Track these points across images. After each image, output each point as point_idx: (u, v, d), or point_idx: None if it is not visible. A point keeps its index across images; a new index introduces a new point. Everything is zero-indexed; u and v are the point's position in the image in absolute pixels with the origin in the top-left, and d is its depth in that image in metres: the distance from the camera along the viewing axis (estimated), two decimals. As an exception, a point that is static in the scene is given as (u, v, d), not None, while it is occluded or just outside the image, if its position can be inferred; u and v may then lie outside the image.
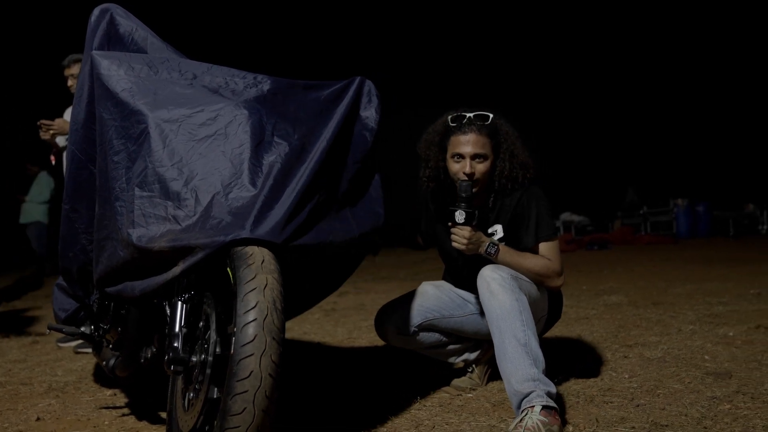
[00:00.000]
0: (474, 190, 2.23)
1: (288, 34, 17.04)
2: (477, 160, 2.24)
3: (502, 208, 2.33)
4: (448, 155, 2.30)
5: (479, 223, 2.23)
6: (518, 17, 19.37)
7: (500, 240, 2.30)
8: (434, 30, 18.80)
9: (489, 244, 2.20)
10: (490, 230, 2.35)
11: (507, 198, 2.32)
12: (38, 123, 3.73)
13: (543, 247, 2.25)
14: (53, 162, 3.95)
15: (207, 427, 1.62)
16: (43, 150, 4.20)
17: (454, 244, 2.22)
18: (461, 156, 2.24)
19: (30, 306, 6.00)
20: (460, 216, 2.18)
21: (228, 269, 1.61)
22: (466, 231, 2.18)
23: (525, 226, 2.27)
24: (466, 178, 2.22)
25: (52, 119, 3.75)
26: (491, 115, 2.27)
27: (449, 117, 2.31)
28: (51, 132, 3.73)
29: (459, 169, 2.25)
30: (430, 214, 2.52)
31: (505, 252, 2.21)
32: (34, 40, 13.75)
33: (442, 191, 2.41)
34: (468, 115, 2.27)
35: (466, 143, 2.23)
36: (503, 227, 2.34)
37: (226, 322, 1.61)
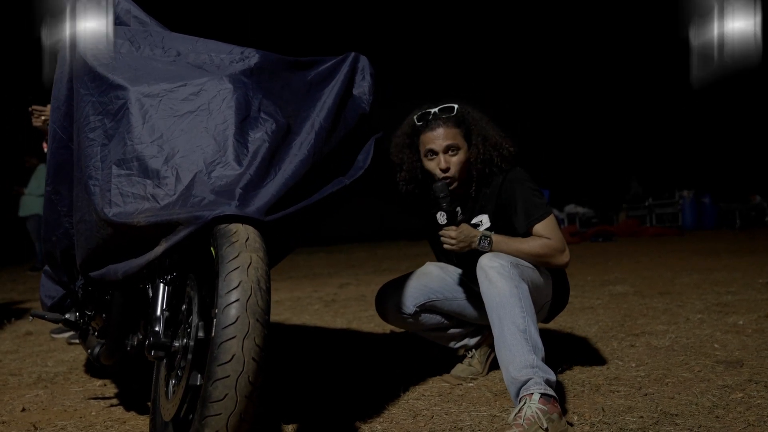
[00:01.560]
0: (452, 186, 2.18)
1: (284, 25, 16.92)
2: (450, 152, 2.19)
3: (485, 197, 2.25)
4: (422, 154, 2.24)
5: (465, 215, 2.16)
6: (519, 8, 19.21)
7: (488, 230, 2.21)
8: (433, 20, 18.65)
9: (481, 238, 2.11)
10: (474, 221, 2.27)
11: (488, 187, 2.24)
12: (30, 109, 3.65)
13: (538, 228, 2.13)
14: (45, 149, 3.86)
15: (190, 416, 1.53)
16: (38, 140, 4.12)
17: (445, 246, 2.16)
18: (434, 152, 2.19)
19: (26, 298, 5.93)
20: (441, 218, 2.14)
21: (211, 248, 1.52)
22: (452, 231, 2.12)
23: (514, 212, 2.17)
24: (443, 175, 2.17)
25: (45, 106, 3.66)
26: (456, 106, 2.20)
27: (414, 116, 2.25)
28: (43, 118, 3.65)
29: (435, 165, 2.20)
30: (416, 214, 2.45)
31: (500, 241, 2.11)
32: (27, 29, 13.64)
33: (422, 193, 2.32)
34: (433, 110, 2.21)
35: (437, 138, 2.18)
36: (489, 217, 2.26)
37: (211, 306, 1.52)
